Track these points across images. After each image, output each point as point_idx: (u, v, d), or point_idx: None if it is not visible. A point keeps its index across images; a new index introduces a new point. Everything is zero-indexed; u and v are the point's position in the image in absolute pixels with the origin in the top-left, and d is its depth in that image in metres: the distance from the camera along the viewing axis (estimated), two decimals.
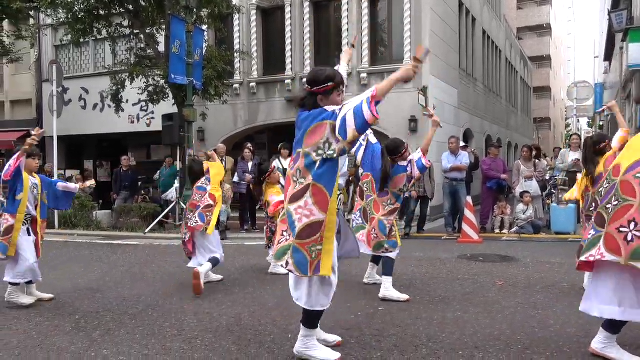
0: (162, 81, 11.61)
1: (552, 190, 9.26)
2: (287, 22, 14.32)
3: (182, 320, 3.90)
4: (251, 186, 9.67)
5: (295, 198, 2.86)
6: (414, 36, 12.96)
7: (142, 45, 12.35)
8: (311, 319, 2.99)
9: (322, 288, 2.92)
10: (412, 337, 3.42)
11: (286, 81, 14.35)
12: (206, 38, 12.62)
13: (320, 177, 2.81)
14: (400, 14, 13.28)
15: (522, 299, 4.40)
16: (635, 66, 12.43)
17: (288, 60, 14.35)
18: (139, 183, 12.79)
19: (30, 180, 4.60)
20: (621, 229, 2.68)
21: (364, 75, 13.53)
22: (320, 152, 2.81)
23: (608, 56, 22.44)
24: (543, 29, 39.81)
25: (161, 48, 11.77)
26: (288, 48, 14.33)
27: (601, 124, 26.15)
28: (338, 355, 3.00)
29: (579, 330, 3.48)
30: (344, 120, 2.76)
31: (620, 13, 13.83)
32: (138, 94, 12.54)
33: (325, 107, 2.90)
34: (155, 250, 7.83)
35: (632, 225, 2.64)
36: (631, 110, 14.12)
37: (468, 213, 8.07)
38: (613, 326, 2.89)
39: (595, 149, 4.37)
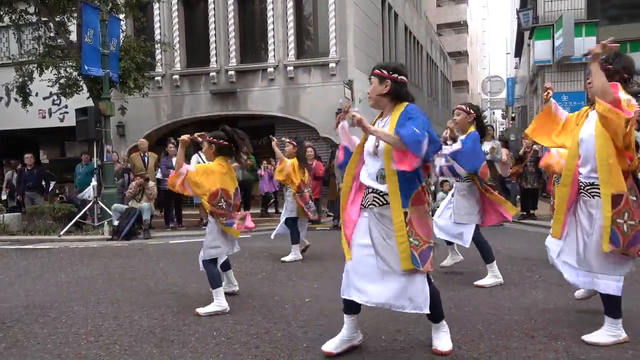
0: (75, 73, 10.90)
1: None
2: (211, 13, 13.98)
3: (99, 326, 3.70)
4: None
5: None
6: (339, 30, 13.14)
7: (52, 34, 11.50)
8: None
9: None
10: (338, 326, 3.46)
11: (211, 74, 14.02)
12: (123, 28, 11.99)
13: None
14: (325, 8, 13.40)
15: (441, 281, 4.62)
16: (540, 62, 13.44)
17: (212, 52, 14.02)
18: (53, 182, 11.91)
19: None
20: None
21: (290, 68, 13.52)
22: None
23: (518, 52, 24.13)
24: (460, 26, 41.95)
25: (73, 37, 11.02)
26: (212, 40, 14.00)
27: (513, 115, 28.07)
28: None
29: (490, 309, 3.73)
30: None
31: (527, 12, 14.90)
32: (48, 86, 11.69)
33: None
34: (71, 253, 7.35)
35: None
36: (538, 103, 15.27)
37: None
38: None
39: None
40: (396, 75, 2.87)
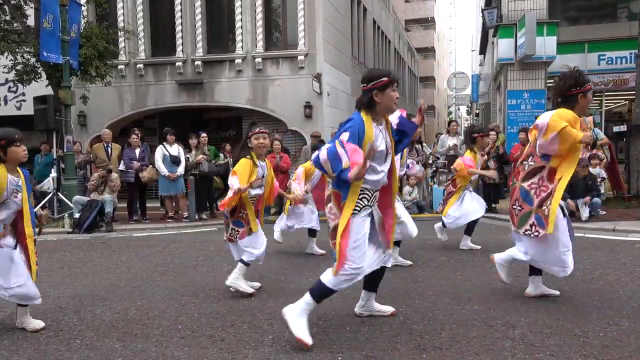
0: (33, 59, 10.46)
1: (434, 173, 10.01)
2: (177, 1, 13.69)
3: (59, 320, 3.61)
4: (139, 174, 9.15)
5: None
6: (308, 22, 13.10)
7: (7, 18, 10.98)
8: None
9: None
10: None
11: (177, 63, 13.75)
12: (85, 13, 11.58)
13: None
14: (294, 0, 13.30)
15: (406, 273, 4.73)
16: (503, 60, 13.78)
17: (179, 42, 13.73)
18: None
19: (11, 182, 3.28)
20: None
21: (258, 60, 13.40)
22: None
23: (483, 50, 24.66)
24: (428, 22, 42.52)
25: (31, 22, 10.57)
26: (179, 29, 13.72)
27: (477, 112, 28.73)
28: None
29: (452, 300, 3.84)
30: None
31: (491, 11, 15.22)
32: (4, 72, 11.18)
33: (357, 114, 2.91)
34: None
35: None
36: (500, 100, 15.67)
37: None
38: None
39: (471, 136, 5.60)
40: (363, 84, 2.93)
